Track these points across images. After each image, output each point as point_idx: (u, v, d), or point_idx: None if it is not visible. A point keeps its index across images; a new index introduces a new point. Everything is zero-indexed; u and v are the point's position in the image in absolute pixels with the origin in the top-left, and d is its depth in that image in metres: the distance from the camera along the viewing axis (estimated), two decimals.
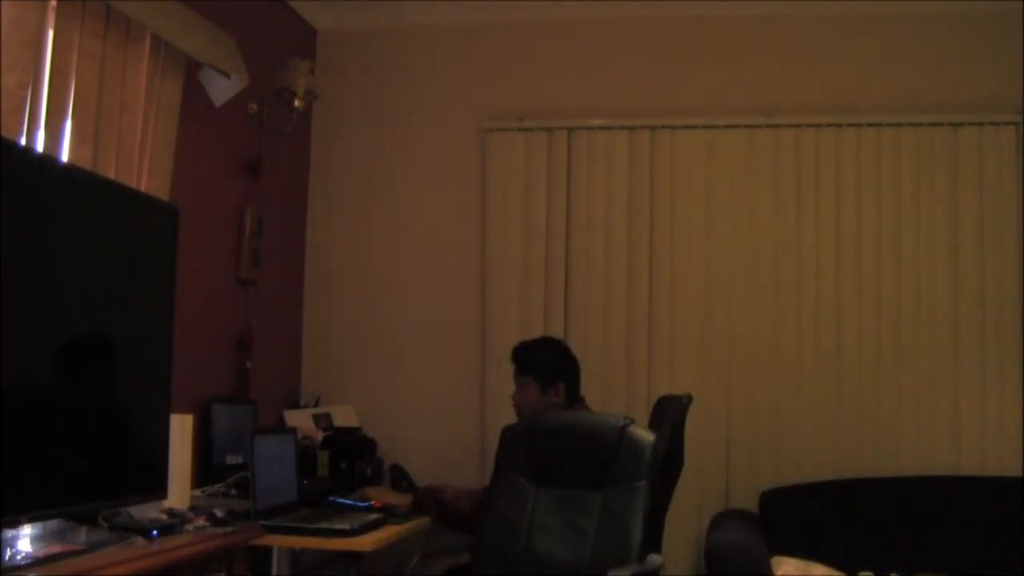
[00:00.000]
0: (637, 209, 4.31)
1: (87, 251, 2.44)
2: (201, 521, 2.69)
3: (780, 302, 4.20)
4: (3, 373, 2.09)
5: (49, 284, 2.28)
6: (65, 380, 2.35)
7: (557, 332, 4.25)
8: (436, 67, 4.59)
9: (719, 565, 3.37)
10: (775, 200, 4.24)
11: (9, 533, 2.16)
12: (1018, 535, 3.70)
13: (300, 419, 4.14)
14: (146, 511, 2.61)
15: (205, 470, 3.49)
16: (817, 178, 4.22)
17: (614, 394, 4.20)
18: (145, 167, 3.19)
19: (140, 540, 2.40)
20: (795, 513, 3.93)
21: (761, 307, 4.21)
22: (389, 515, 3.22)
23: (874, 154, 4.19)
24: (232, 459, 3.64)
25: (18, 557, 2.10)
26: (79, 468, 2.36)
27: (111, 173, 2.97)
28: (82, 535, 2.36)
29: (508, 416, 3.56)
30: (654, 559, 2.74)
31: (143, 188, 3.14)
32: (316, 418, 4.21)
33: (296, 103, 4.04)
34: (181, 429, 2.87)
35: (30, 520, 2.23)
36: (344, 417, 4.29)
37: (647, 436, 2.95)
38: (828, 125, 4.22)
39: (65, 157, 2.84)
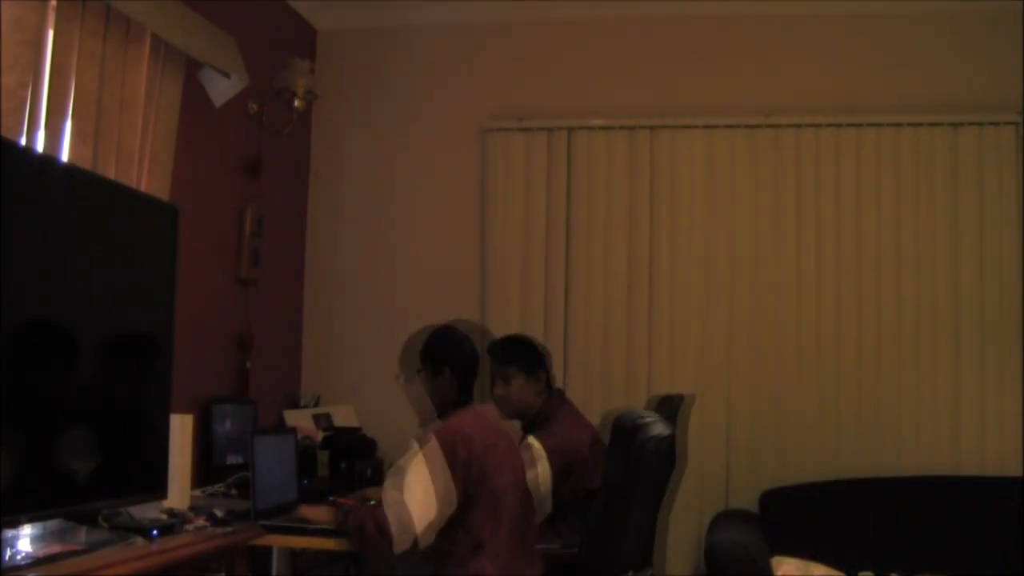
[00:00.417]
0: (637, 209, 4.31)
1: (87, 251, 2.44)
2: (201, 521, 2.69)
3: (780, 302, 4.19)
4: (3, 373, 2.09)
5: (49, 284, 2.28)
6: (65, 380, 2.35)
7: (557, 332, 4.26)
8: (436, 67, 4.59)
9: (719, 565, 3.37)
10: (775, 200, 4.24)
11: (9, 533, 2.16)
12: (1018, 535, 3.70)
13: (300, 419, 4.14)
14: (146, 511, 2.61)
15: (205, 470, 3.49)
16: (817, 178, 4.22)
17: (614, 394, 4.19)
18: (145, 167, 3.19)
19: (140, 540, 2.40)
20: (795, 513, 3.93)
21: (761, 307, 4.20)
22: None
23: (874, 154, 4.19)
24: (232, 459, 3.64)
25: (18, 557, 2.10)
26: (79, 468, 2.36)
27: (111, 173, 2.97)
28: (82, 535, 2.36)
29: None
30: None
31: (143, 188, 3.14)
32: (316, 418, 4.21)
33: (296, 103, 4.04)
34: (181, 429, 2.87)
35: (30, 520, 2.23)
36: (344, 417, 4.29)
37: None
38: (828, 125, 4.22)
39: (65, 157, 2.83)
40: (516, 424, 3.52)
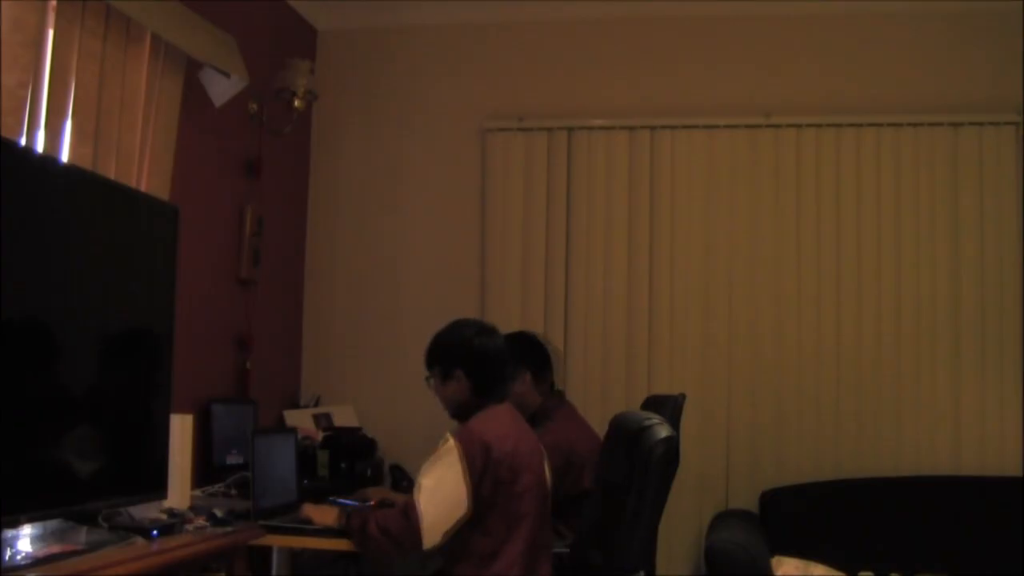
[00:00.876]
0: (637, 209, 4.31)
1: (87, 251, 2.44)
2: (201, 521, 2.69)
3: (780, 302, 4.20)
4: (2, 373, 2.09)
5: (49, 284, 2.28)
6: (64, 380, 2.35)
7: (557, 332, 4.26)
8: (436, 67, 4.59)
9: (719, 565, 3.37)
10: (775, 200, 4.24)
11: (9, 533, 2.16)
12: (1018, 535, 3.70)
13: (300, 419, 4.14)
14: (146, 511, 2.60)
15: (205, 470, 3.49)
16: (817, 178, 4.22)
17: (614, 394, 4.19)
18: (145, 167, 3.18)
19: (140, 540, 2.40)
20: (795, 513, 3.94)
21: (761, 306, 4.21)
22: None
23: (874, 154, 4.19)
24: (232, 459, 3.64)
25: (18, 557, 2.10)
26: (79, 468, 2.36)
27: (111, 173, 2.97)
28: (82, 535, 2.36)
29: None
30: None
31: (143, 188, 3.14)
32: (316, 418, 4.21)
33: (296, 103, 4.04)
34: (181, 429, 2.87)
35: (30, 520, 2.23)
36: (344, 417, 4.29)
37: None
38: (828, 125, 4.22)
39: (65, 157, 2.83)
40: None
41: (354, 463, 3.79)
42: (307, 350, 4.57)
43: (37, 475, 2.22)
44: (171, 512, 2.67)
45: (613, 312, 4.28)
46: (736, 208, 4.26)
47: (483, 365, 2.87)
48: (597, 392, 4.18)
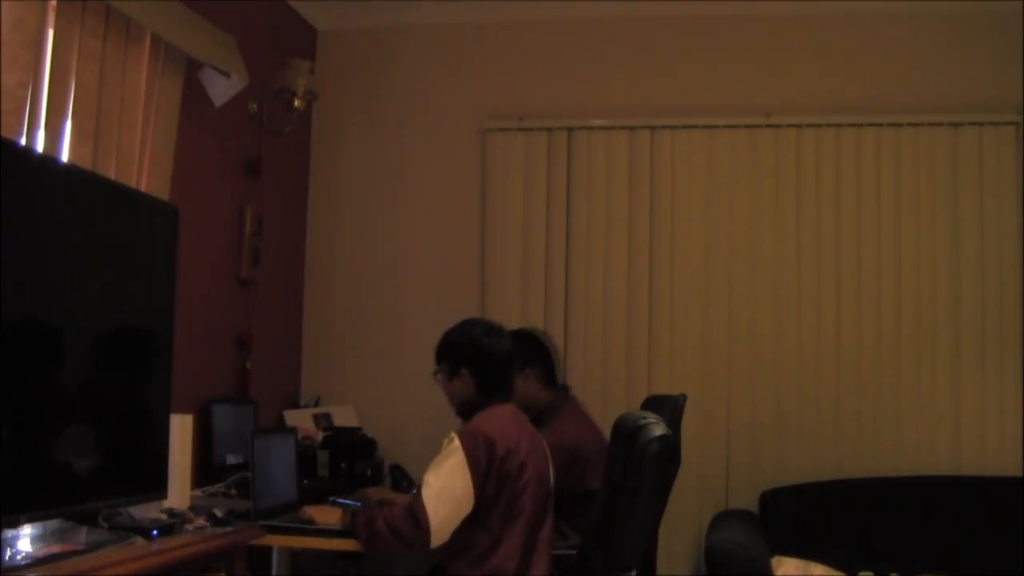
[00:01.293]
0: (637, 209, 4.31)
1: (87, 251, 2.44)
2: (201, 521, 2.69)
3: (780, 302, 4.20)
4: (2, 373, 2.09)
5: (49, 284, 2.28)
6: (65, 380, 2.35)
7: (557, 332, 4.25)
8: (436, 67, 4.59)
9: (719, 565, 3.37)
10: (775, 200, 4.24)
11: (9, 533, 2.16)
12: (1018, 535, 3.70)
13: (300, 419, 4.14)
14: (146, 511, 2.61)
15: (205, 470, 3.49)
16: (817, 178, 4.22)
17: (614, 394, 4.19)
18: (145, 167, 3.18)
19: (140, 540, 2.40)
20: (795, 513, 3.93)
21: (761, 307, 4.21)
22: None
23: (874, 154, 4.19)
24: (232, 459, 3.64)
25: (18, 557, 2.10)
26: (79, 468, 2.36)
27: (111, 173, 2.97)
28: (82, 535, 2.36)
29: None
30: None
31: (143, 188, 3.14)
32: (316, 418, 4.21)
33: (296, 103, 4.04)
34: (181, 429, 2.87)
35: (30, 520, 2.23)
36: (344, 417, 4.29)
37: None
38: (828, 125, 4.22)
39: (65, 157, 2.83)
40: None
41: (354, 463, 3.79)
42: (307, 350, 4.57)
43: (37, 475, 2.23)
44: (171, 512, 2.67)
45: (613, 312, 4.28)
46: (736, 208, 4.26)
47: (489, 365, 2.92)
48: (597, 392, 4.18)
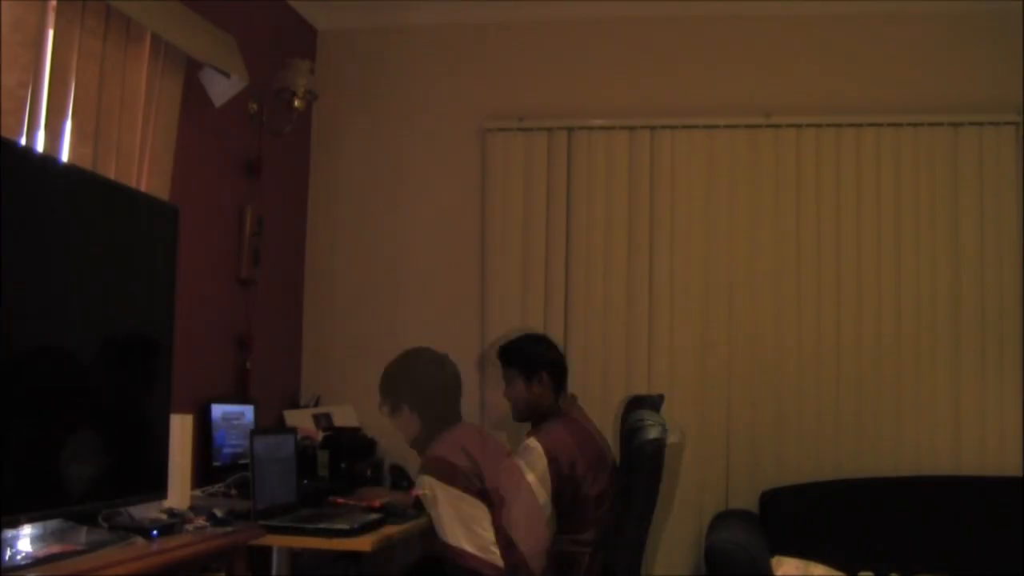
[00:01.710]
0: (637, 209, 4.30)
1: (87, 251, 2.44)
2: (201, 521, 2.69)
3: (780, 302, 4.19)
4: (2, 373, 2.09)
5: (48, 284, 2.28)
6: (64, 380, 2.35)
7: (557, 331, 4.24)
8: (436, 67, 4.58)
9: (719, 565, 3.37)
10: (775, 200, 4.24)
11: (9, 533, 2.16)
12: (1018, 535, 3.70)
13: (300, 419, 4.14)
14: (146, 511, 2.60)
15: (205, 470, 3.49)
16: (817, 178, 4.22)
17: (614, 395, 4.18)
18: (145, 167, 3.18)
19: (140, 540, 2.40)
20: (795, 513, 3.93)
21: (761, 307, 4.20)
22: (389, 515, 3.21)
23: (874, 154, 4.19)
24: (232, 459, 3.63)
25: (18, 557, 2.10)
26: (79, 468, 2.36)
27: (111, 173, 2.97)
28: (82, 535, 2.36)
29: (506, 415, 3.56)
30: None
31: (143, 188, 3.14)
32: (316, 418, 4.21)
33: (296, 103, 4.04)
34: (181, 429, 2.87)
35: (30, 520, 2.23)
36: (344, 417, 4.29)
37: None
38: (828, 125, 4.22)
39: (65, 157, 2.83)
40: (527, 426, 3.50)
41: (354, 463, 3.79)
42: (307, 350, 4.57)
43: (37, 475, 2.22)
44: (171, 512, 2.67)
45: (613, 312, 4.28)
46: (736, 208, 4.26)
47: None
48: (597, 392, 4.18)
